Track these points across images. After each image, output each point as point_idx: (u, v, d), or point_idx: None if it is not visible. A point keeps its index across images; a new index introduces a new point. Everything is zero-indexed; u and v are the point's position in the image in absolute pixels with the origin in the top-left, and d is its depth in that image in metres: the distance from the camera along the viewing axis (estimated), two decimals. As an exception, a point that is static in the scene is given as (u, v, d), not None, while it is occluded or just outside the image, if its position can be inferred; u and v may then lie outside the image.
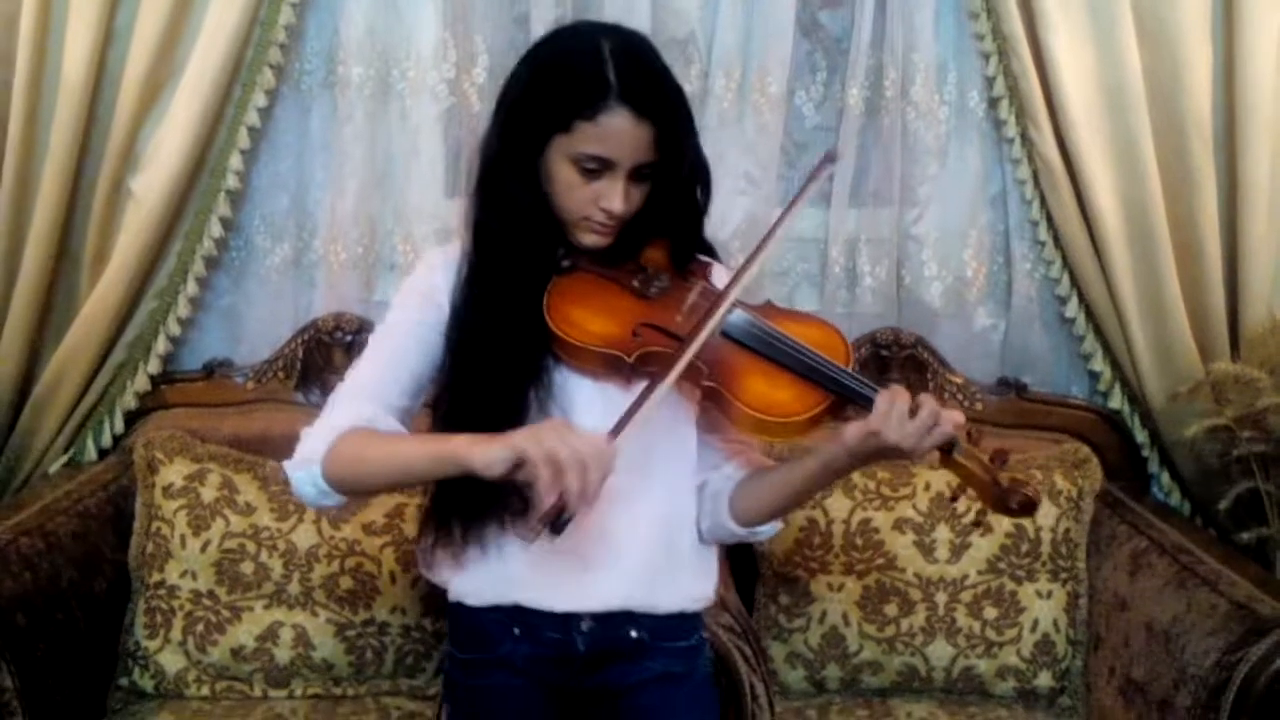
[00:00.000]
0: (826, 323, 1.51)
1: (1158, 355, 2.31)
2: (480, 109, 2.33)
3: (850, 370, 1.42)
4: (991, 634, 2.13)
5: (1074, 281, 2.35)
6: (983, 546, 2.14)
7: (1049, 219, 2.32)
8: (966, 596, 2.14)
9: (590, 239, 1.48)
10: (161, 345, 2.31)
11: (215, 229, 2.29)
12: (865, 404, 1.39)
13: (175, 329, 2.32)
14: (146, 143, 2.21)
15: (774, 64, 2.32)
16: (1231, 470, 2.28)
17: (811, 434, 1.45)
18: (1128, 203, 2.25)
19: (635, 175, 1.44)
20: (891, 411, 1.36)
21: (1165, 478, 2.40)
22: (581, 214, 1.46)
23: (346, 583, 2.09)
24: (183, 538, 2.10)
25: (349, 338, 2.35)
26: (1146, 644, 2.00)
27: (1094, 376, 2.43)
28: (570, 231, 1.48)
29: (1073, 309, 2.38)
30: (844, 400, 1.41)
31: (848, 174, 2.38)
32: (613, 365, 1.44)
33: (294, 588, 2.09)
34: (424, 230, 2.37)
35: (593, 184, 1.43)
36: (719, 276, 1.56)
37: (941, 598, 2.13)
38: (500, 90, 1.51)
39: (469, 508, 1.48)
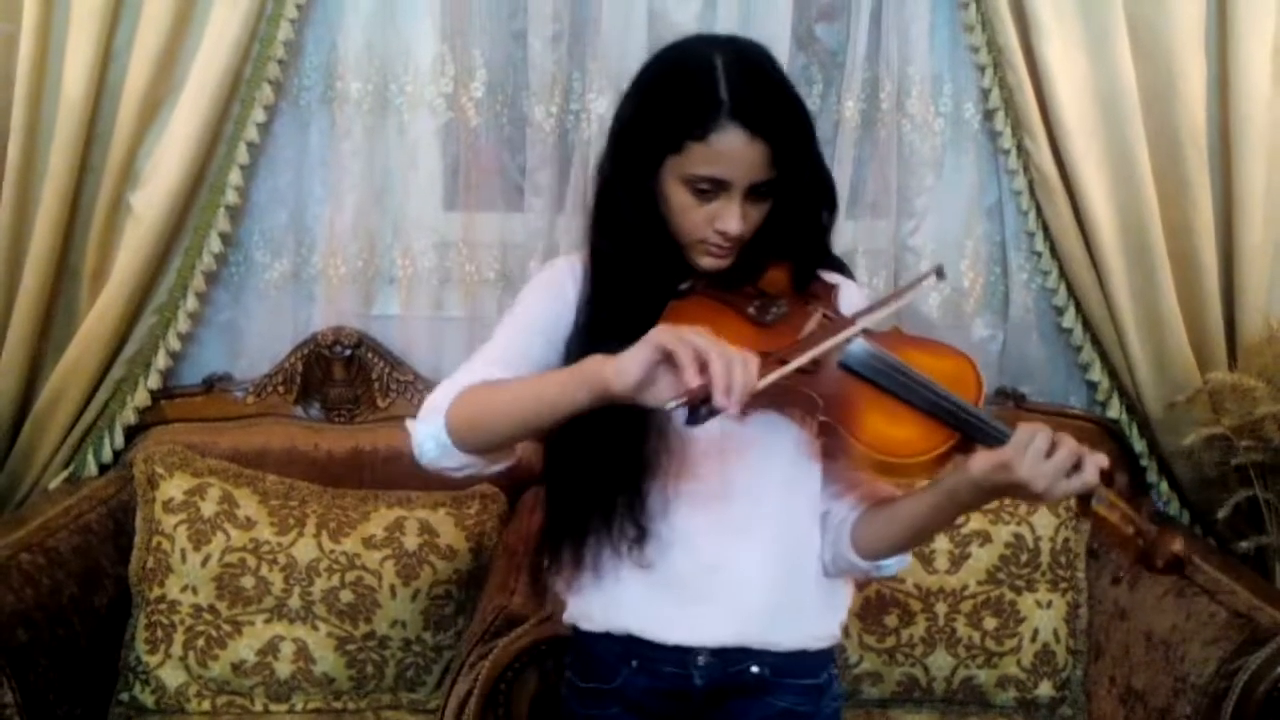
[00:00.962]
0: (958, 352, 1.39)
1: (1155, 365, 2.31)
2: (478, 123, 2.35)
3: (980, 408, 1.31)
4: (991, 644, 2.13)
5: (1071, 292, 2.36)
6: (982, 557, 2.14)
7: (1045, 229, 2.33)
8: (966, 607, 2.14)
9: (707, 261, 1.40)
10: (161, 360, 2.31)
11: (214, 244, 2.29)
12: (994, 445, 1.28)
13: (175, 344, 2.32)
14: (146, 159, 2.22)
15: (770, 77, 2.32)
16: (1230, 479, 2.28)
17: (937, 474, 1.34)
18: (1124, 213, 2.26)
19: (752, 194, 1.36)
20: (1029, 447, 1.25)
21: (1164, 487, 2.41)
22: (697, 236, 1.38)
23: (347, 596, 2.10)
24: (183, 552, 2.10)
25: (348, 351, 2.36)
26: (1146, 653, 2.00)
27: (1092, 386, 2.44)
28: (687, 254, 1.41)
29: (1070, 319, 2.38)
30: (971, 440, 1.30)
31: (845, 186, 2.38)
32: None
33: (294, 602, 2.09)
34: (422, 244, 2.38)
35: (707, 205, 1.35)
36: (846, 296, 1.47)
37: (941, 608, 2.14)
38: (615, 109, 1.45)
39: (583, 534, 1.42)
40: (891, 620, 2.13)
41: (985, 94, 2.33)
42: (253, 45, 2.21)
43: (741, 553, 1.40)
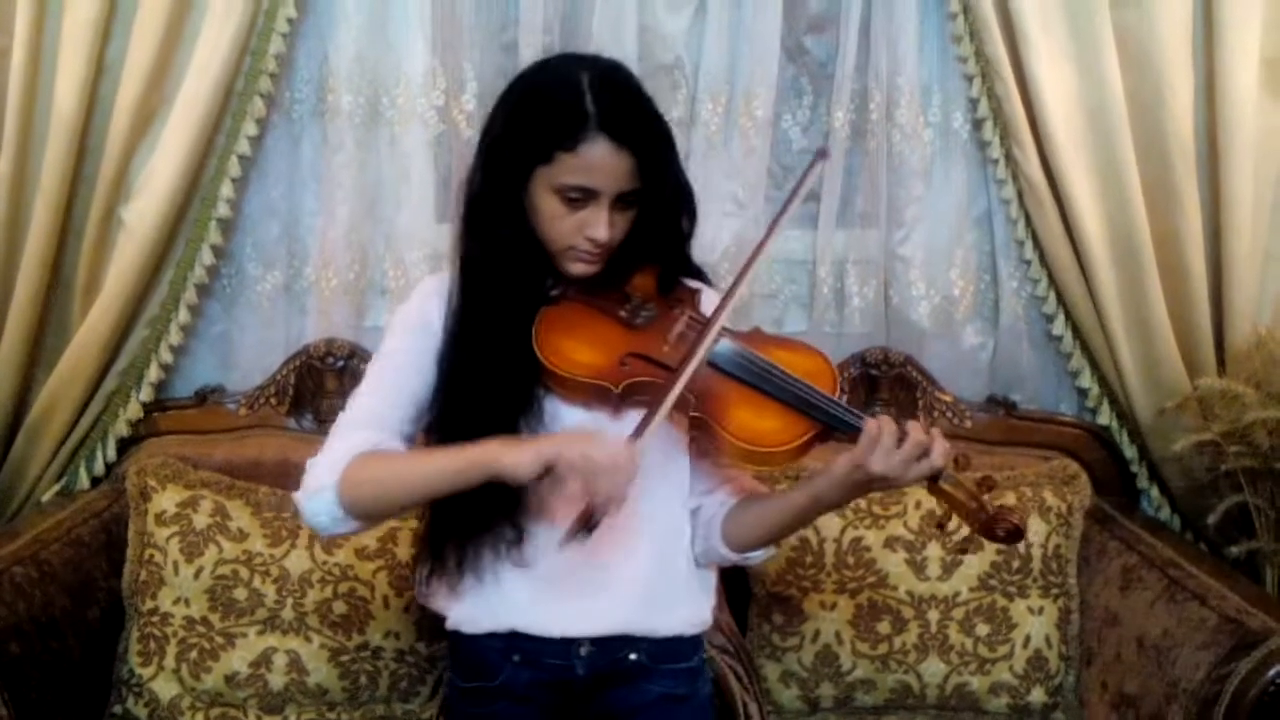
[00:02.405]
0: (814, 350, 1.51)
1: (1145, 371, 2.32)
2: (469, 135, 2.34)
3: (836, 399, 1.42)
4: (984, 650, 2.14)
5: (1060, 299, 2.37)
6: (974, 563, 2.15)
7: (1034, 238, 2.34)
8: (958, 613, 2.14)
9: (578, 268, 1.49)
10: (154, 373, 2.31)
11: (207, 256, 2.30)
12: (852, 433, 1.39)
13: (167, 356, 2.32)
14: (138, 172, 2.22)
15: (760, 88, 2.34)
16: (1220, 484, 2.29)
17: (800, 462, 1.45)
18: (1112, 221, 2.27)
19: (619, 203, 1.44)
20: (878, 442, 1.36)
21: (1154, 492, 2.42)
22: (567, 244, 1.46)
23: (340, 608, 2.09)
24: (175, 564, 2.10)
25: (340, 363, 2.36)
26: (1138, 658, 2.01)
27: (1082, 393, 2.45)
28: (558, 261, 1.49)
29: (1060, 327, 2.39)
30: (830, 429, 1.41)
31: (835, 196, 2.40)
32: (600, 395, 1.45)
33: (287, 613, 2.09)
34: (415, 256, 2.38)
35: (576, 213, 1.44)
36: (708, 301, 1.56)
37: (934, 615, 2.14)
38: (483, 124, 1.52)
39: (463, 536, 1.49)
40: (884, 627, 2.14)
41: (974, 104, 2.35)
42: (244, 58, 2.21)
43: (621, 547, 1.49)
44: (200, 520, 2.13)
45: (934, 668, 2.14)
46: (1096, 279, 2.29)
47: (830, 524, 2.16)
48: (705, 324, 1.47)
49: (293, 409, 2.38)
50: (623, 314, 1.50)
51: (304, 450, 2.27)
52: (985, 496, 1.38)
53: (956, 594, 2.14)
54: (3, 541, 2.03)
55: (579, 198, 1.43)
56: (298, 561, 2.11)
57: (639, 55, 2.30)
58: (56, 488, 2.32)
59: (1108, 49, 2.22)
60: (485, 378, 1.46)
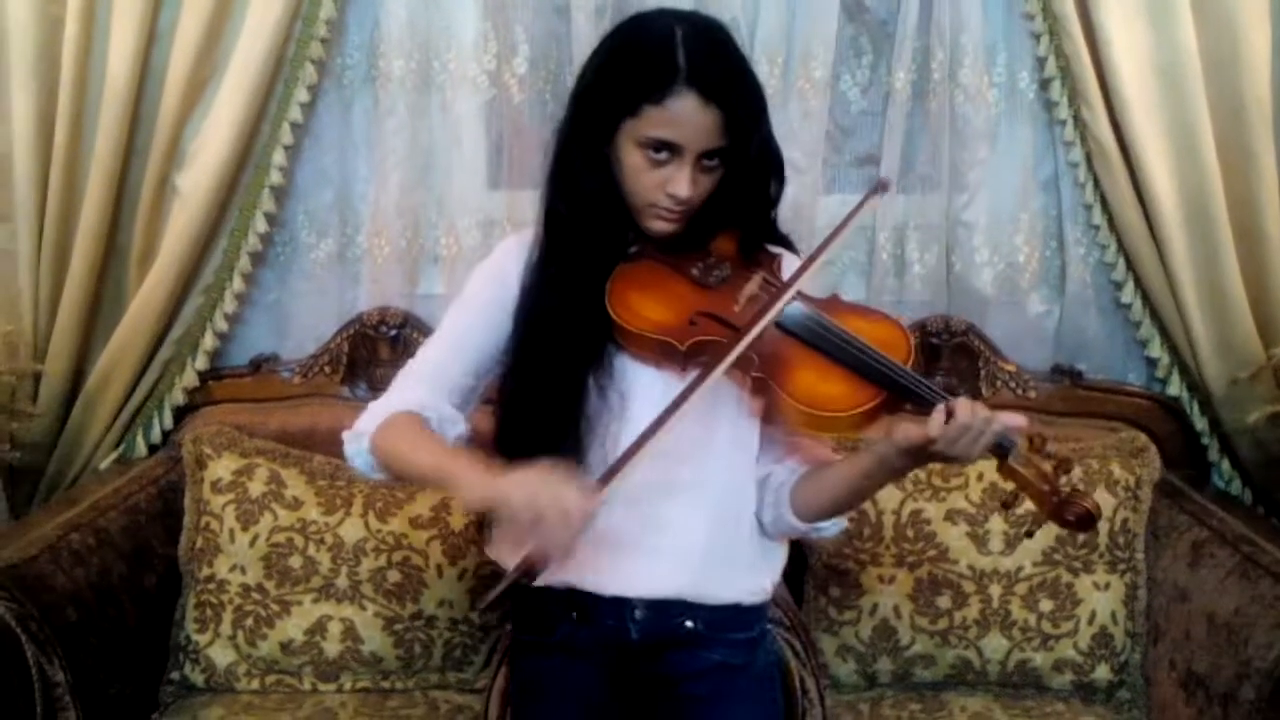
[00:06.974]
0: (892, 319, 1.48)
1: (1217, 340, 2.25)
2: (521, 100, 2.33)
3: (908, 368, 1.39)
4: (1047, 626, 2.09)
5: (1130, 266, 2.30)
6: (1038, 538, 2.07)
7: (1104, 202, 2.27)
8: (1021, 588, 2.10)
9: (658, 226, 1.48)
10: (209, 341, 2.32)
11: (260, 225, 2.30)
12: (920, 404, 1.36)
13: (222, 325, 2.33)
14: (191, 140, 2.22)
15: (818, 48, 2.28)
16: (1295, 458, 2.22)
17: (865, 430, 1.42)
18: (1185, 185, 2.20)
19: (703, 161, 1.43)
20: (949, 420, 1.33)
21: (1226, 466, 2.35)
22: (648, 200, 1.45)
23: (394, 576, 2.09)
24: (231, 532, 2.11)
25: (394, 331, 2.35)
26: (1208, 636, 1.95)
27: (1151, 363, 2.38)
28: (639, 218, 1.48)
29: (1129, 294, 2.33)
30: (897, 398, 1.38)
31: (895, 159, 2.34)
32: (667, 352, 1.44)
33: (342, 581, 2.09)
34: (467, 222, 2.37)
35: (660, 169, 1.43)
36: (789, 267, 1.54)
37: (995, 590, 2.10)
38: (576, 76, 1.52)
39: None
40: (944, 602, 2.10)
41: (1041, 63, 2.28)
42: (295, 25, 2.20)
43: (685, 509, 1.49)
44: (255, 488, 2.14)
45: (995, 643, 2.09)
46: (1168, 244, 2.21)
47: (889, 496, 2.12)
48: (779, 286, 1.45)
49: (347, 377, 2.38)
50: (695, 272, 1.49)
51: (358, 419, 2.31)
52: (1061, 479, 1.34)
53: (1019, 569, 2.10)
54: (61, 509, 2.06)
55: (663, 153, 1.41)
56: (352, 530, 2.11)
57: (694, 15, 2.25)
58: (114, 455, 2.34)
59: (1182, 4, 2.14)
60: (557, 331, 1.47)
